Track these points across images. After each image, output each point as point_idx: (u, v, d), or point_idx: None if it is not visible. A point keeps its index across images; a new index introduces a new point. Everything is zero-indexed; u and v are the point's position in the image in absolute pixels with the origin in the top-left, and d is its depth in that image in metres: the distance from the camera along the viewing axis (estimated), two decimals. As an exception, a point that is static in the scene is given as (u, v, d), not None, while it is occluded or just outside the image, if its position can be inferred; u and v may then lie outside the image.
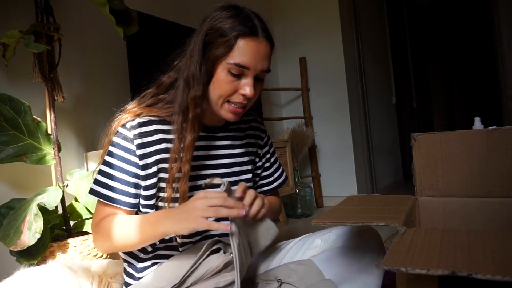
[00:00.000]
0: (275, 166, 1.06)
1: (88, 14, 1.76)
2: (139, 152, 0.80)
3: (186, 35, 0.85)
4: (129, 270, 0.90)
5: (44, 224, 1.12)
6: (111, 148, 0.81)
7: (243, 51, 0.76)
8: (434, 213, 0.81)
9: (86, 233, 1.36)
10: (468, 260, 0.43)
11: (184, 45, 0.84)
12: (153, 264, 0.87)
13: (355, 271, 0.82)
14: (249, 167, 0.97)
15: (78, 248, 1.29)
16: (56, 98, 1.37)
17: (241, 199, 0.74)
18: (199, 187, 0.85)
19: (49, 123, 1.36)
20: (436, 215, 0.80)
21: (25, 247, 1.09)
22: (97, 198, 0.82)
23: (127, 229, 0.77)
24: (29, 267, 0.94)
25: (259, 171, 1.02)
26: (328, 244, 0.86)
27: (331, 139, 3.02)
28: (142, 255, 0.87)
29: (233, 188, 0.76)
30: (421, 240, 0.51)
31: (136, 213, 0.85)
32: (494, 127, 0.81)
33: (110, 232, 0.78)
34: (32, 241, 1.09)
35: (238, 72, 0.77)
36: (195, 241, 0.88)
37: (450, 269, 0.40)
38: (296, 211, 2.69)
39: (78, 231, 1.38)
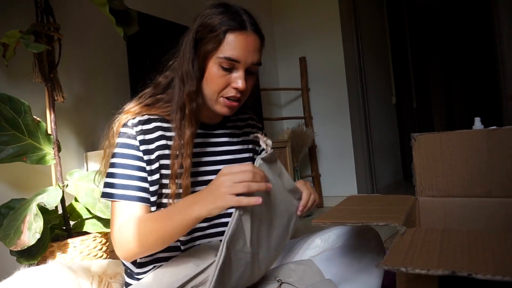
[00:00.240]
0: None
1: (88, 14, 1.76)
2: (142, 147, 0.80)
3: (186, 35, 0.86)
4: (129, 270, 0.90)
5: (44, 224, 1.12)
6: (116, 150, 0.81)
7: (232, 45, 0.78)
8: (434, 213, 0.81)
9: (86, 233, 1.36)
10: (468, 260, 0.43)
11: (178, 45, 0.86)
12: (154, 267, 0.87)
13: (355, 271, 0.83)
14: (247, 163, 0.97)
15: (78, 248, 1.29)
16: (56, 98, 1.37)
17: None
18: (199, 183, 0.86)
19: (49, 123, 1.36)
20: (436, 215, 0.80)
21: (25, 247, 1.09)
22: (111, 203, 0.80)
23: (154, 225, 0.74)
24: (29, 267, 0.94)
25: None
26: (328, 244, 0.86)
27: (331, 139, 3.02)
28: (141, 260, 0.86)
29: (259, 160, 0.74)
30: (421, 240, 0.51)
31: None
32: (494, 127, 0.81)
33: (135, 233, 0.74)
34: (32, 241, 1.09)
35: (229, 66, 0.79)
36: (198, 237, 0.88)
37: (450, 269, 0.40)
38: (296, 211, 2.68)
39: (78, 231, 1.38)
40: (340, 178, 3.00)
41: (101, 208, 1.31)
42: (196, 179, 0.87)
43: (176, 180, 0.81)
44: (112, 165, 0.80)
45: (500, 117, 3.29)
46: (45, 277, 0.89)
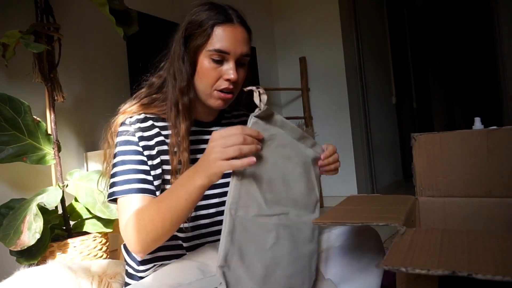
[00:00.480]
0: None
1: (88, 14, 1.76)
2: (142, 143, 0.81)
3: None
4: (130, 270, 0.90)
5: (44, 224, 1.12)
6: (117, 149, 0.82)
7: (220, 37, 0.80)
8: (434, 213, 0.80)
9: (86, 233, 1.36)
10: (468, 260, 0.43)
11: (169, 45, 0.88)
12: (154, 266, 0.87)
13: (354, 271, 0.83)
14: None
15: (78, 248, 1.29)
16: (56, 98, 1.37)
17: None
18: None
19: (49, 123, 1.36)
20: (436, 215, 0.80)
21: (25, 247, 1.09)
22: (117, 201, 0.79)
23: (159, 207, 0.73)
24: (29, 267, 0.94)
25: None
26: (328, 243, 0.86)
27: (331, 139, 3.02)
28: (140, 258, 0.86)
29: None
30: (421, 240, 0.51)
31: None
32: (494, 127, 0.81)
33: (141, 222, 0.73)
34: (32, 241, 1.09)
35: (219, 58, 0.81)
36: (199, 236, 0.88)
37: (450, 269, 0.40)
38: (296, 211, 2.68)
39: (78, 231, 1.38)
40: (340, 178, 3.00)
41: (101, 208, 1.31)
42: None
43: (177, 176, 0.82)
44: (114, 165, 0.81)
45: (500, 117, 3.29)
46: (45, 277, 0.89)
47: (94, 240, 1.35)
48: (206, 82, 0.83)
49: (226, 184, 0.89)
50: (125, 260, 0.91)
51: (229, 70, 0.81)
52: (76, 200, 1.39)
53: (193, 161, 0.88)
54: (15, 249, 1.10)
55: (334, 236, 0.86)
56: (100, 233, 1.38)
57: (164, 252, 0.86)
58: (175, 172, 0.82)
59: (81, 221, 1.39)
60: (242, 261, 0.67)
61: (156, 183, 0.81)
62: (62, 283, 0.89)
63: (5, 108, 1.21)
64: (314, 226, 0.78)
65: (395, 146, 3.95)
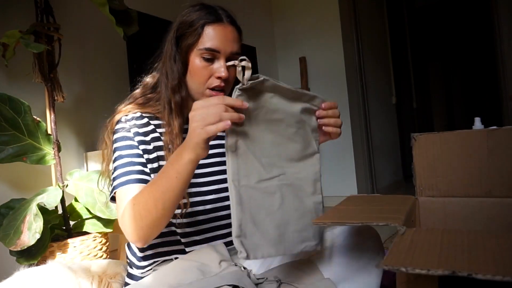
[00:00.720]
0: None
1: (88, 14, 1.76)
2: (137, 138, 0.83)
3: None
4: (130, 270, 0.91)
5: (44, 224, 1.12)
6: (114, 146, 0.84)
7: (211, 36, 0.82)
8: (434, 213, 0.80)
9: (86, 233, 1.36)
10: (468, 260, 0.43)
11: (161, 46, 0.91)
12: (154, 262, 0.87)
13: (354, 270, 0.82)
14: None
15: (78, 248, 1.29)
16: (56, 98, 1.37)
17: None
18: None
19: (49, 123, 1.36)
20: (436, 215, 0.80)
21: (25, 247, 1.09)
22: (116, 194, 0.79)
23: (150, 188, 0.73)
24: (29, 267, 0.94)
25: None
26: (327, 243, 0.86)
27: (331, 139, 3.02)
28: (142, 253, 0.87)
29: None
30: (421, 240, 0.51)
31: None
32: (494, 127, 0.81)
33: (135, 207, 0.73)
34: (32, 241, 1.09)
35: (210, 56, 0.83)
36: (198, 232, 0.88)
37: (450, 269, 0.40)
38: (296, 211, 2.68)
39: (78, 231, 1.38)
40: (340, 178, 3.00)
41: (101, 208, 1.31)
42: None
43: None
44: (113, 162, 0.83)
45: (500, 117, 3.29)
46: (45, 277, 0.89)
47: (94, 240, 1.35)
48: (198, 81, 0.84)
49: (223, 181, 0.90)
50: (127, 257, 0.92)
51: (220, 68, 0.83)
52: (76, 200, 1.39)
53: None
54: (15, 249, 1.10)
55: (334, 236, 0.86)
56: (100, 233, 1.38)
57: (164, 248, 0.87)
58: None
59: (81, 221, 1.39)
60: (256, 227, 0.70)
61: (153, 176, 0.82)
62: (62, 283, 0.89)
63: (5, 108, 1.21)
64: (316, 178, 0.82)
65: (395, 146, 3.95)
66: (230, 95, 0.89)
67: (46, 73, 1.35)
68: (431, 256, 0.45)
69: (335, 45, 2.98)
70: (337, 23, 2.97)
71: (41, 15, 1.36)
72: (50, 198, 1.22)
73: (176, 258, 0.87)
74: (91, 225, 1.37)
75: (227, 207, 0.88)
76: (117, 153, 0.82)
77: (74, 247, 1.28)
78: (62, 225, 1.36)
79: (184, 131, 0.87)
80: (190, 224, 0.87)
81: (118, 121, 0.86)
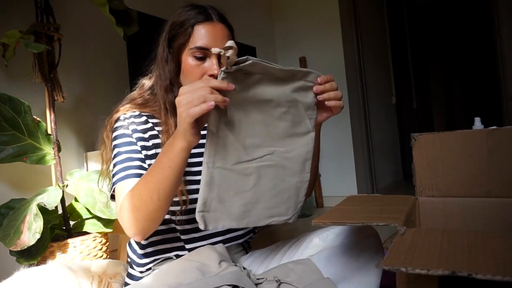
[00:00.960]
0: None
1: (88, 14, 1.76)
2: (135, 135, 0.85)
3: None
4: (130, 270, 0.91)
5: (44, 224, 1.12)
6: (114, 143, 0.85)
7: (201, 35, 0.84)
8: (434, 213, 0.80)
9: (86, 233, 1.36)
10: (468, 260, 0.43)
11: (156, 47, 0.93)
12: (155, 260, 0.88)
13: (353, 270, 0.82)
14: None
15: (78, 248, 1.29)
16: (56, 98, 1.37)
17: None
18: (187, 173, 0.88)
19: (49, 123, 1.36)
20: (436, 215, 0.80)
21: (25, 247, 1.09)
22: (115, 189, 0.80)
23: (146, 179, 0.73)
24: (29, 267, 0.94)
25: None
26: (326, 243, 0.86)
27: (331, 139, 3.02)
28: (142, 250, 0.87)
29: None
30: (421, 240, 0.51)
31: None
32: (494, 127, 0.81)
33: (131, 199, 0.73)
34: (32, 241, 1.09)
35: (202, 55, 0.84)
36: (199, 228, 0.88)
37: (450, 269, 0.40)
38: (296, 211, 2.68)
39: (78, 231, 1.38)
40: (340, 178, 3.00)
41: (101, 208, 1.31)
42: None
43: None
44: (113, 159, 0.84)
45: (500, 117, 3.29)
46: (45, 277, 0.89)
47: (94, 240, 1.35)
48: (191, 80, 0.85)
49: None
50: (128, 256, 0.92)
51: (211, 66, 0.84)
52: (76, 200, 1.39)
53: None
54: (15, 249, 1.10)
55: (333, 235, 0.86)
56: (100, 233, 1.38)
57: (164, 245, 0.88)
58: None
59: (81, 221, 1.39)
60: (221, 204, 0.73)
61: None
62: (62, 283, 0.89)
63: (5, 108, 1.21)
64: (307, 157, 0.81)
65: (395, 146, 3.95)
66: None
67: (46, 73, 1.35)
68: (431, 256, 0.45)
69: (335, 45, 2.98)
70: (337, 23, 2.97)
71: (41, 15, 1.36)
72: (50, 198, 1.22)
73: (176, 255, 0.87)
74: (91, 225, 1.37)
75: None
76: (116, 150, 0.83)
77: (74, 247, 1.28)
78: (62, 225, 1.36)
79: None
80: (189, 221, 0.87)
81: (117, 120, 0.87)
